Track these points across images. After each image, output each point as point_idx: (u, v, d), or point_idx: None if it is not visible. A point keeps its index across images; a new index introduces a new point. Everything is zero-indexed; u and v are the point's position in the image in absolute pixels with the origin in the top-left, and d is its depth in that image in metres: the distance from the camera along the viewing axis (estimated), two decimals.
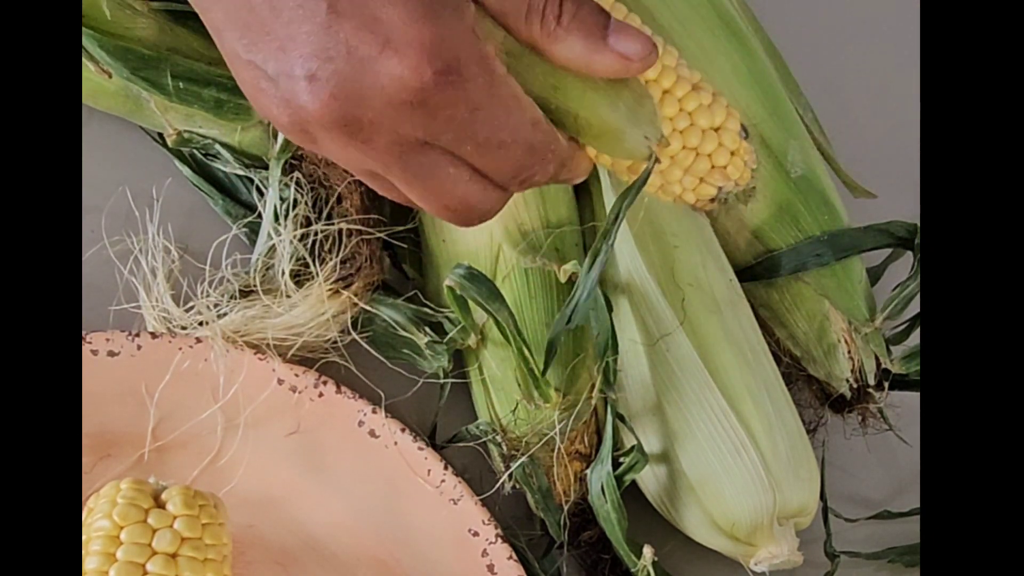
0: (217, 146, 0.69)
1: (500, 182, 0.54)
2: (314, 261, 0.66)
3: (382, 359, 0.68)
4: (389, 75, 0.48)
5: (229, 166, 0.69)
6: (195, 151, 0.70)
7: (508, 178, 0.54)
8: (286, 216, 0.67)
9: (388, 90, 0.49)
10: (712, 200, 0.63)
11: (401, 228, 0.70)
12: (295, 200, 0.67)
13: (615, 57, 0.53)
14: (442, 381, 0.68)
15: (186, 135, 0.69)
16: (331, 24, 0.48)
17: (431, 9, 0.48)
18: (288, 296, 0.66)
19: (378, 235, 0.69)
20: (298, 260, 0.67)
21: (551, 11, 0.52)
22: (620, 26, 0.53)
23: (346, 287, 0.67)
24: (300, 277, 0.67)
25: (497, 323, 0.63)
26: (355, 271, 0.67)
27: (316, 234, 0.67)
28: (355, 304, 0.67)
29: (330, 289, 0.66)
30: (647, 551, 0.63)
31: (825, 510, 0.69)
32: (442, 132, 0.51)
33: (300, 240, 0.67)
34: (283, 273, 0.66)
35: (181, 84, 0.67)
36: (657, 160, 0.57)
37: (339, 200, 0.68)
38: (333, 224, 0.67)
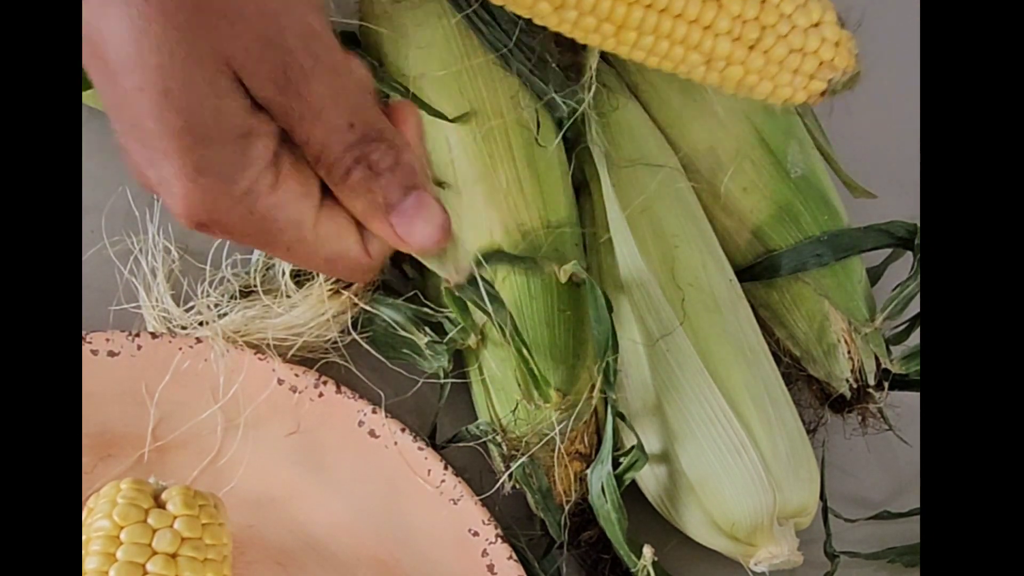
0: None
1: None
2: None
3: (382, 359, 0.68)
4: (168, 204, 0.50)
5: None
6: None
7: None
8: None
9: (172, 211, 0.51)
10: (823, 93, 0.63)
11: None
12: None
13: (391, 233, 0.53)
14: (442, 381, 0.68)
15: None
16: (124, 146, 0.50)
17: (199, 175, 0.49)
18: (288, 296, 0.66)
19: None
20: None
21: (338, 172, 0.51)
22: (418, 204, 0.52)
23: (346, 287, 0.66)
24: (300, 277, 0.67)
25: (497, 324, 0.63)
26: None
27: None
28: (355, 304, 0.67)
29: (330, 289, 0.66)
30: (647, 551, 0.63)
31: (825, 510, 0.69)
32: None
33: None
34: (283, 273, 0.66)
35: None
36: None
37: None
38: None
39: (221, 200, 0.50)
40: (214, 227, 0.51)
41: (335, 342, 0.67)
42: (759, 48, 0.61)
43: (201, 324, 0.66)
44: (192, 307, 0.66)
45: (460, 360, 0.69)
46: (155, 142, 0.49)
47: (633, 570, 0.64)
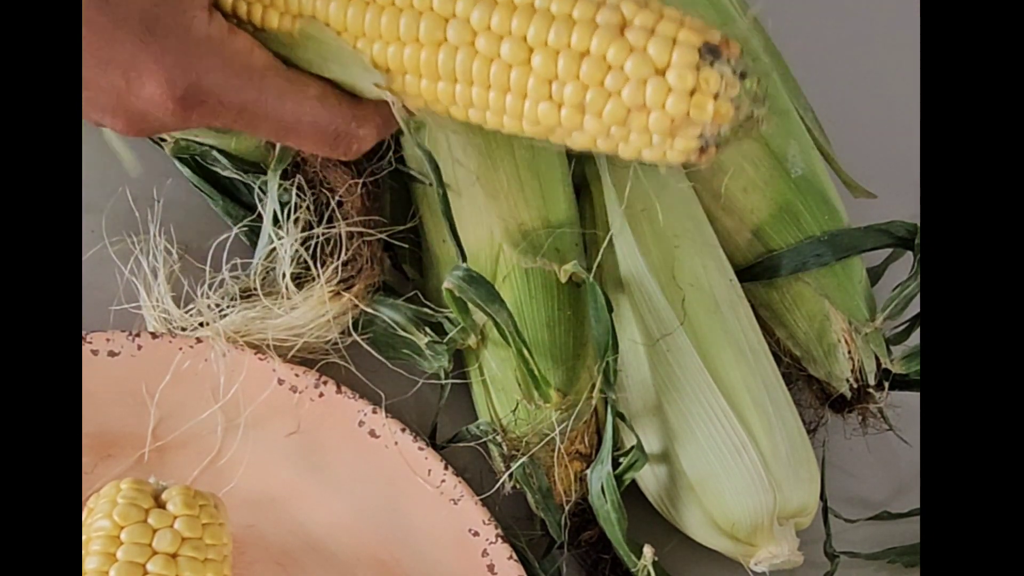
0: (215, 152, 0.69)
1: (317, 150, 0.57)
2: (315, 263, 0.66)
3: (382, 359, 0.68)
4: (147, 100, 0.51)
5: (228, 171, 0.69)
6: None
7: (321, 149, 0.56)
8: (287, 219, 0.67)
9: (155, 111, 0.52)
10: (703, 150, 0.52)
11: (401, 228, 0.69)
12: (295, 204, 0.67)
13: None
14: (442, 382, 0.68)
15: (183, 143, 0.69)
16: (88, 62, 0.51)
17: (153, 35, 0.50)
18: (288, 298, 0.66)
19: (379, 236, 0.68)
20: (299, 262, 0.66)
21: None
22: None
23: (347, 289, 0.66)
24: (301, 279, 0.67)
25: (496, 324, 0.63)
26: (356, 273, 0.67)
27: (317, 237, 0.67)
28: (356, 306, 0.67)
29: (331, 291, 0.66)
30: (647, 551, 0.63)
31: (825, 510, 0.69)
32: (229, 127, 0.54)
33: (301, 243, 0.66)
34: (284, 276, 0.66)
35: None
36: (395, 102, 0.55)
37: (339, 204, 0.67)
38: (334, 227, 0.67)
39: (184, 48, 0.51)
40: (197, 86, 0.51)
41: (335, 343, 0.67)
42: (591, 111, 0.51)
43: (201, 325, 0.66)
44: (192, 308, 0.66)
45: (460, 360, 0.69)
46: (109, 35, 0.50)
47: (633, 570, 0.64)
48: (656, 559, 0.63)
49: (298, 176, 0.67)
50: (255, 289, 0.66)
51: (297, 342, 0.66)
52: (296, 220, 0.67)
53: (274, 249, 0.67)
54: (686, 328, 0.66)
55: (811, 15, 0.83)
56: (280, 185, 0.67)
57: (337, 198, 0.67)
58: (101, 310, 0.67)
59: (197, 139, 0.69)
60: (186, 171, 0.71)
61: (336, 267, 0.66)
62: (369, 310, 0.67)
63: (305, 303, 0.66)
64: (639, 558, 0.64)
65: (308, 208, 0.67)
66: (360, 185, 0.68)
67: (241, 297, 0.67)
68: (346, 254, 0.67)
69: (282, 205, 0.67)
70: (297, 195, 0.67)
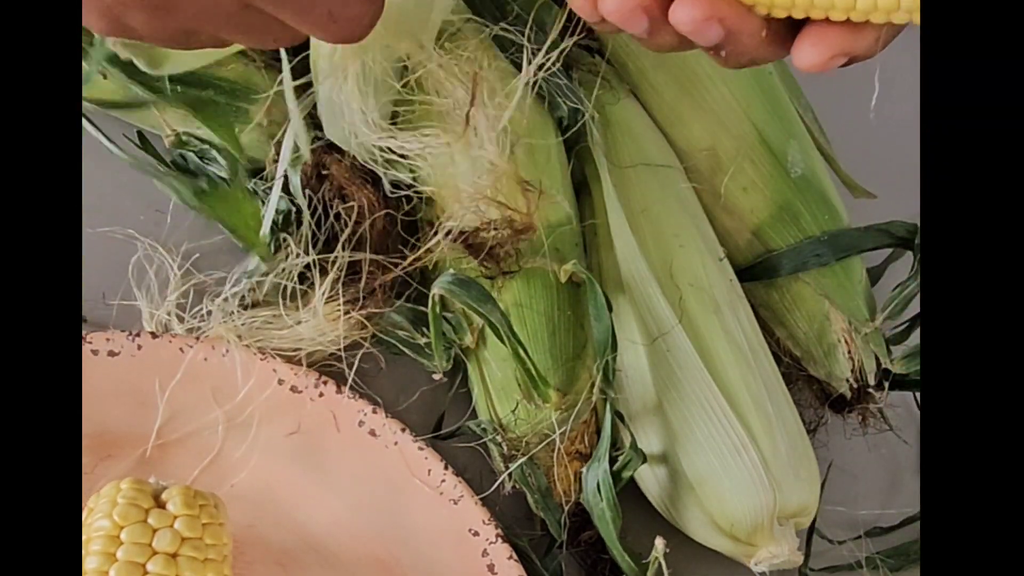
0: (213, 151, 0.69)
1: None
2: (321, 282, 0.66)
3: (382, 359, 0.68)
4: None
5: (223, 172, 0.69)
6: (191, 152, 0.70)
7: (318, 29, 0.51)
8: (295, 230, 0.66)
9: None
10: None
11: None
12: (300, 218, 0.67)
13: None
14: (442, 381, 0.68)
15: (184, 137, 0.69)
16: None
17: None
18: (296, 310, 0.66)
19: (398, 272, 0.68)
20: (306, 279, 0.66)
21: None
22: None
23: (358, 309, 0.66)
24: (308, 295, 0.66)
25: (491, 325, 0.63)
26: (368, 294, 0.67)
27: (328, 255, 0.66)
28: (364, 325, 0.66)
29: (339, 309, 0.66)
30: (659, 543, 0.63)
31: (810, 532, 0.69)
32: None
33: (308, 257, 0.66)
34: (289, 291, 0.66)
35: (179, 88, 0.67)
36: None
37: (357, 222, 0.67)
38: (346, 251, 0.66)
39: None
40: None
41: (338, 355, 0.66)
42: None
43: (202, 328, 0.66)
44: (193, 311, 0.66)
45: (461, 360, 0.69)
46: None
47: (628, 571, 0.64)
48: (668, 550, 0.63)
49: (308, 190, 0.67)
50: (260, 301, 0.66)
51: (298, 355, 0.66)
52: (300, 237, 0.66)
53: (282, 259, 0.66)
54: (686, 328, 0.66)
55: None
56: (285, 196, 0.66)
57: (355, 216, 0.66)
58: (101, 310, 0.67)
59: (197, 133, 0.68)
60: (175, 197, 0.70)
61: (342, 285, 0.66)
62: (378, 334, 0.67)
63: (313, 319, 0.65)
64: (632, 559, 0.64)
65: (314, 228, 0.66)
66: (380, 205, 0.67)
67: (246, 308, 0.66)
68: (348, 274, 0.66)
69: (296, 214, 0.66)
70: (299, 204, 0.67)
